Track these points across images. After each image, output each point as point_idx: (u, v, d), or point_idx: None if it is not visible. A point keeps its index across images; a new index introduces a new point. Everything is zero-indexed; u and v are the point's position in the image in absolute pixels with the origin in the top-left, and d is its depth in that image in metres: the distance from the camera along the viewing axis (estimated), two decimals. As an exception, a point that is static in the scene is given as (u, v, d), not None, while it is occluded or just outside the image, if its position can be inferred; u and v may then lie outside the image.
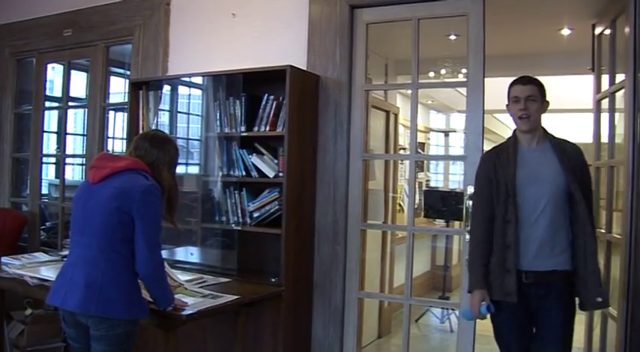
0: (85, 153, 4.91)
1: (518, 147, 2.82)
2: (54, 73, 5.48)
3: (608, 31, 3.62)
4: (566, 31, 4.54)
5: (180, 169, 4.11)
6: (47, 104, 5.37)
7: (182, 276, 3.37)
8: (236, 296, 3.07)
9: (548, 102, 2.82)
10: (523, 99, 2.75)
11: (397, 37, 4.24)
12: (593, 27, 3.92)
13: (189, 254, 3.90)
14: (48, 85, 5.42)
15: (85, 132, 4.93)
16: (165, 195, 2.67)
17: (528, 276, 2.69)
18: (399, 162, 5.39)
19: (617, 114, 3.51)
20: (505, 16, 3.60)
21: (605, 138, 3.66)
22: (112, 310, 2.47)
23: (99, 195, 2.55)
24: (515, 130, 2.86)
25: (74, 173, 5.85)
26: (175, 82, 4.13)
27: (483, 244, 2.79)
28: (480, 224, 2.83)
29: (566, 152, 2.76)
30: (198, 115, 4.07)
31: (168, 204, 2.71)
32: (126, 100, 4.52)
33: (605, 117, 3.68)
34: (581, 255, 2.66)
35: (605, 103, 3.67)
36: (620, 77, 3.35)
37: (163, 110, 4.14)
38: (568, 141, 2.83)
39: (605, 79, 3.69)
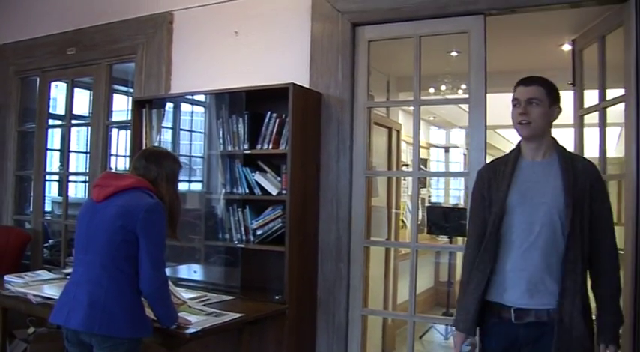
0: (88, 170, 4.92)
1: (519, 160, 2.47)
2: (57, 90, 5.51)
3: (593, 46, 3.63)
4: (567, 47, 4.56)
5: (183, 186, 4.15)
6: (51, 122, 5.40)
7: (185, 294, 3.36)
8: (240, 314, 3.06)
9: (560, 109, 2.45)
10: (523, 103, 2.39)
11: (399, 54, 4.26)
12: (574, 42, 3.97)
13: (192, 271, 3.89)
14: (51, 102, 5.44)
15: (89, 150, 4.94)
16: (167, 209, 2.66)
17: (518, 315, 2.34)
18: (402, 178, 5.40)
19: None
20: (506, 31, 3.61)
21: (590, 152, 3.69)
22: (115, 328, 2.46)
23: (103, 213, 2.56)
24: (520, 141, 2.51)
25: (77, 191, 5.86)
26: (178, 99, 4.15)
27: (471, 272, 2.48)
28: (472, 248, 2.53)
29: (576, 169, 2.35)
30: (201, 133, 4.08)
31: (170, 218, 2.69)
32: (129, 118, 4.54)
33: (591, 132, 3.71)
34: (575, 295, 2.26)
35: (590, 118, 3.72)
36: (612, 92, 3.35)
37: (166, 127, 4.16)
38: (582, 157, 2.52)
39: (590, 94, 3.73)
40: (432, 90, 5.03)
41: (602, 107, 3.49)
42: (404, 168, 5.52)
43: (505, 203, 2.39)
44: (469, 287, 2.46)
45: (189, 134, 4.23)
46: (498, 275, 2.39)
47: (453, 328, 2.56)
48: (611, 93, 3.38)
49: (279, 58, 3.90)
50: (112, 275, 2.50)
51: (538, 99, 2.39)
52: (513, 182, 2.41)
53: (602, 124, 3.54)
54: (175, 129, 4.19)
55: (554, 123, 2.46)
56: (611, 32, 3.36)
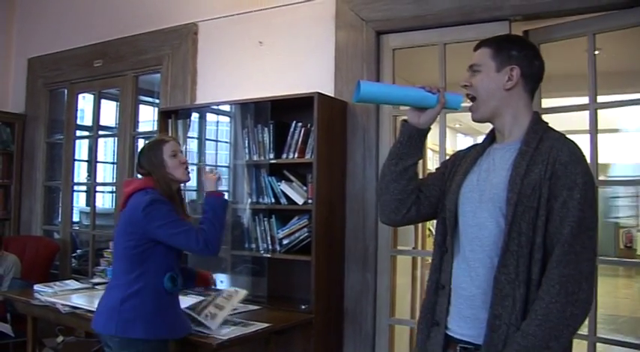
0: (115, 181, 4.97)
1: (491, 144, 1.94)
2: (84, 102, 5.58)
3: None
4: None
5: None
6: (78, 133, 5.48)
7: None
8: (267, 324, 3.06)
9: (517, 70, 1.81)
10: (468, 71, 1.89)
11: (423, 62, 4.23)
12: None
13: (219, 281, 3.89)
14: (79, 114, 5.52)
15: (116, 161, 4.99)
16: (167, 194, 2.72)
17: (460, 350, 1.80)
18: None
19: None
20: (533, 37, 3.57)
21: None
22: (131, 330, 2.54)
23: (120, 221, 2.73)
24: None
25: (105, 201, 5.92)
26: (203, 109, 4.18)
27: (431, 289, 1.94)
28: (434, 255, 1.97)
29: (538, 152, 1.74)
30: (226, 142, 4.09)
31: (171, 199, 2.75)
32: (155, 129, 4.59)
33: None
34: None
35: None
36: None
37: (192, 137, 4.18)
38: (559, 136, 1.79)
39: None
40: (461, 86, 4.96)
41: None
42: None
43: (457, 196, 1.88)
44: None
45: (214, 144, 4.25)
46: (446, 286, 1.87)
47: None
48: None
49: (304, 67, 3.90)
50: (130, 278, 2.59)
51: (478, 65, 1.85)
52: (473, 170, 1.89)
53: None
54: (201, 139, 4.21)
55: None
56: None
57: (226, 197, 2.80)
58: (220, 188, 2.82)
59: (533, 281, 1.66)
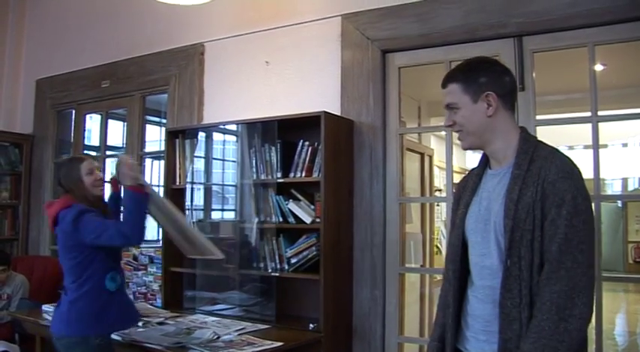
0: (123, 201, 4.96)
1: (486, 170, 1.97)
2: (92, 122, 5.61)
3: None
4: (599, 67, 4.50)
5: (216, 215, 4.18)
6: (86, 153, 5.48)
7: (220, 326, 3.38)
8: (277, 343, 3.05)
9: (495, 94, 1.84)
10: (446, 110, 1.94)
11: (429, 79, 4.23)
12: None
13: (227, 300, 3.89)
14: (86, 134, 5.54)
15: (123, 181, 4.99)
16: (86, 203, 2.93)
17: None
18: (435, 203, 5.37)
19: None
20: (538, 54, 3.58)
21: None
22: (61, 328, 2.84)
23: (58, 240, 2.94)
24: None
25: (112, 220, 5.91)
26: (210, 129, 4.19)
27: (442, 310, 2.05)
28: (444, 279, 2.07)
29: (529, 173, 1.75)
30: (233, 161, 4.11)
31: (92, 205, 2.95)
32: (162, 148, 4.60)
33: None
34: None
35: None
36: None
37: (199, 157, 4.20)
38: (550, 152, 1.80)
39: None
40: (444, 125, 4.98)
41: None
42: (437, 194, 5.48)
43: (462, 229, 1.93)
44: (433, 333, 2.07)
45: (221, 163, 4.27)
46: (462, 318, 1.94)
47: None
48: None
49: (310, 86, 3.93)
50: (77, 285, 2.84)
51: (454, 104, 1.89)
52: (474, 201, 1.93)
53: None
54: (208, 159, 4.22)
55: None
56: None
57: (146, 188, 2.92)
58: (139, 181, 2.89)
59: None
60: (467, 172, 2.12)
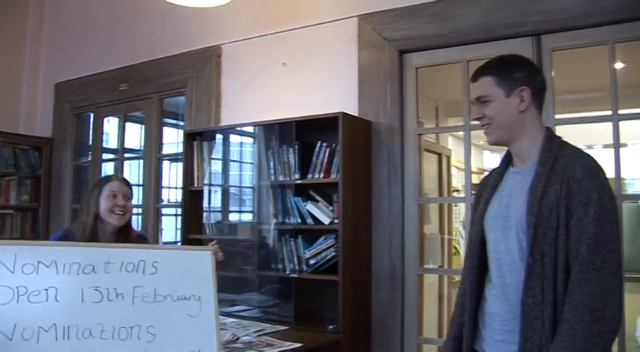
0: (142, 203, 5.00)
1: (508, 168, 1.98)
2: (109, 125, 5.64)
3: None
4: (619, 65, 4.46)
5: (234, 217, 4.18)
6: (104, 156, 5.53)
7: (239, 327, 3.38)
8: (296, 344, 3.05)
9: (529, 89, 1.85)
10: (475, 104, 1.93)
11: (447, 80, 4.25)
12: None
13: (245, 302, 3.90)
14: (104, 137, 5.58)
15: (141, 183, 5.03)
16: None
17: None
18: (454, 204, 5.35)
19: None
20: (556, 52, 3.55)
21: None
22: None
23: None
24: None
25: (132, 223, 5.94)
26: (228, 131, 4.21)
27: (459, 309, 2.04)
28: (462, 278, 2.07)
29: (553, 171, 1.75)
30: (251, 163, 4.12)
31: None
32: (179, 150, 4.63)
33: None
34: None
35: None
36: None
37: (216, 159, 4.21)
38: (574, 152, 1.80)
39: None
40: (473, 120, 4.95)
41: None
42: (455, 195, 5.46)
43: (481, 226, 1.94)
44: (449, 333, 2.08)
45: (239, 165, 4.28)
46: (479, 317, 1.93)
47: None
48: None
49: (328, 87, 3.93)
50: None
51: (485, 96, 1.88)
52: (494, 198, 1.93)
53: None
54: (225, 161, 4.24)
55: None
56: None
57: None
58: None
59: (560, 302, 1.67)
60: (487, 172, 2.12)
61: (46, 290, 2.16)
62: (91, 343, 2.18)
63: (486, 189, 1.99)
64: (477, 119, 1.93)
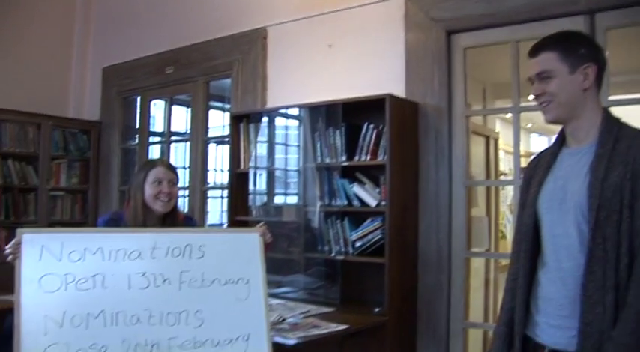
0: (188, 185, 5.06)
1: (562, 148, 1.90)
2: (155, 108, 5.71)
3: None
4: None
5: (279, 200, 4.20)
6: (151, 139, 5.61)
7: (285, 309, 3.42)
8: (343, 326, 3.06)
9: (595, 66, 1.79)
10: (535, 80, 1.83)
11: (495, 61, 4.16)
12: None
13: (291, 283, 3.92)
14: (151, 120, 5.65)
15: (188, 165, 5.09)
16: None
17: None
18: (501, 187, 5.27)
19: None
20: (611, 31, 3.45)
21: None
22: None
23: None
24: None
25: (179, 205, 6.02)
26: (274, 113, 4.22)
27: (510, 294, 1.97)
28: (512, 261, 2.01)
29: (615, 153, 1.69)
30: (296, 146, 4.12)
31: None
32: (224, 133, 4.65)
33: None
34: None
35: None
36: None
37: (261, 142, 4.23)
38: (637, 133, 1.75)
39: None
40: (531, 97, 4.85)
41: None
42: (502, 178, 5.37)
43: (534, 209, 1.87)
44: (501, 316, 2.01)
45: (284, 148, 4.29)
46: (532, 302, 1.87)
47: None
48: None
49: (374, 68, 3.89)
50: None
51: (548, 72, 1.79)
52: (547, 180, 1.86)
53: None
54: (271, 143, 4.25)
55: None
56: None
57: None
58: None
59: (622, 286, 1.61)
60: (536, 154, 2.06)
61: (94, 277, 2.19)
62: (139, 329, 2.20)
63: (538, 170, 1.92)
64: (536, 96, 1.85)
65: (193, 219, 3.13)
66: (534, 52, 1.85)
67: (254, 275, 2.42)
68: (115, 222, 2.74)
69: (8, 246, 2.14)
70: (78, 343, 2.11)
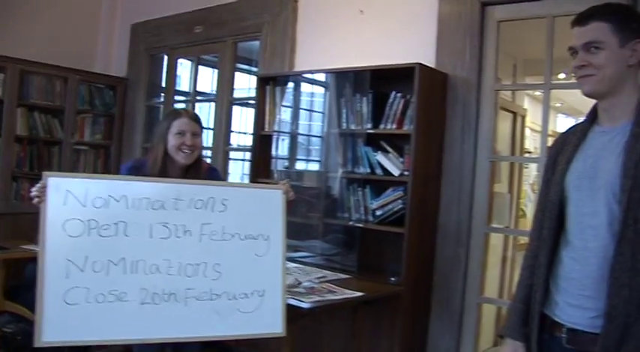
0: (212, 145, 5.06)
1: (592, 126, 1.82)
2: (181, 68, 5.70)
3: None
4: None
5: (301, 166, 4.19)
6: (176, 97, 5.60)
7: (301, 273, 3.44)
8: (358, 293, 3.07)
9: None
10: (580, 50, 1.72)
11: (528, 36, 4.08)
12: None
13: (309, 249, 3.93)
14: (177, 80, 5.64)
15: (212, 127, 5.09)
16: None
17: (572, 337, 1.74)
18: (524, 166, 5.21)
19: None
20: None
21: None
22: None
23: None
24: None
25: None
26: (301, 78, 4.19)
27: (528, 271, 1.94)
28: (532, 239, 1.96)
29: None
30: (320, 112, 4.10)
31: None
32: (248, 95, 4.62)
33: None
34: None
35: None
36: None
37: (286, 106, 4.21)
38: None
39: None
40: (562, 75, 4.78)
41: None
42: (526, 156, 5.31)
43: (562, 186, 1.80)
44: (518, 292, 1.98)
45: (309, 114, 4.27)
46: (551, 280, 1.83)
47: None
48: None
49: (405, 37, 3.83)
50: None
51: (598, 42, 1.68)
52: (576, 158, 1.79)
53: None
54: (296, 108, 4.22)
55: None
56: None
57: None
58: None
59: None
60: (561, 133, 1.99)
61: (116, 224, 2.21)
62: (157, 278, 2.23)
63: (566, 147, 1.85)
64: (578, 67, 1.73)
65: (217, 170, 3.10)
66: (584, 20, 1.73)
67: (274, 232, 2.44)
68: (137, 169, 2.74)
69: (34, 188, 2.16)
70: (98, 288, 2.16)
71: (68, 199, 2.16)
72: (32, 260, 2.59)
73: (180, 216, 2.30)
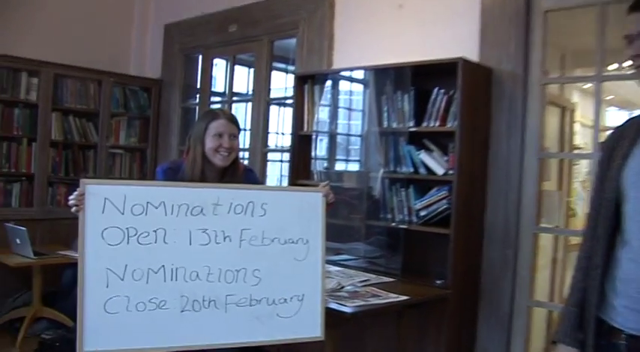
0: (249, 146, 5.01)
1: None
2: (216, 69, 5.66)
3: None
4: None
5: (340, 166, 4.10)
6: (212, 98, 5.57)
7: (344, 276, 3.35)
8: (403, 297, 2.97)
9: None
10: (638, 38, 1.63)
11: (577, 26, 3.92)
12: None
13: (351, 251, 3.84)
14: (212, 80, 5.60)
15: (250, 127, 5.03)
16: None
17: (633, 345, 1.63)
18: (574, 163, 5.05)
19: None
20: None
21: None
22: None
23: None
24: None
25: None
26: (339, 76, 4.11)
27: (582, 273, 1.83)
28: (585, 239, 1.86)
29: None
30: (359, 111, 4.01)
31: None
32: (285, 95, 4.54)
33: None
34: None
35: None
36: None
37: (324, 105, 4.12)
38: None
39: None
40: (612, 66, 4.60)
41: None
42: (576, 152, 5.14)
43: (618, 183, 1.71)
44: (571, 296, 1.87)
45: (348, 112, 4.19)
46: (607, 283, 1.72)
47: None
48: None
49: (446, 30, 3.71)
50: None
51: None
52: (633, 153, 1.70)
53: None
54: (334, 107, 4.14)
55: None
56: None
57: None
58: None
59: None
60: (617, 126, 1.88)
61: (155, 231, 2.19)
62: (197, 285, 2.22)
63: (622, 142, 1.75)
64: (637, 56, 1.65)
65: (253, 171, 3.03)
66: None
67: (314, 235, 2.41)
68: (174, 171, 2.70)
69: (72, 196, 2.13)
70: (138, 297, 2.15)
71: (106, 207, 2.13)
72: (69, 266, 2.56)
73: (219, 222, 2.27)
